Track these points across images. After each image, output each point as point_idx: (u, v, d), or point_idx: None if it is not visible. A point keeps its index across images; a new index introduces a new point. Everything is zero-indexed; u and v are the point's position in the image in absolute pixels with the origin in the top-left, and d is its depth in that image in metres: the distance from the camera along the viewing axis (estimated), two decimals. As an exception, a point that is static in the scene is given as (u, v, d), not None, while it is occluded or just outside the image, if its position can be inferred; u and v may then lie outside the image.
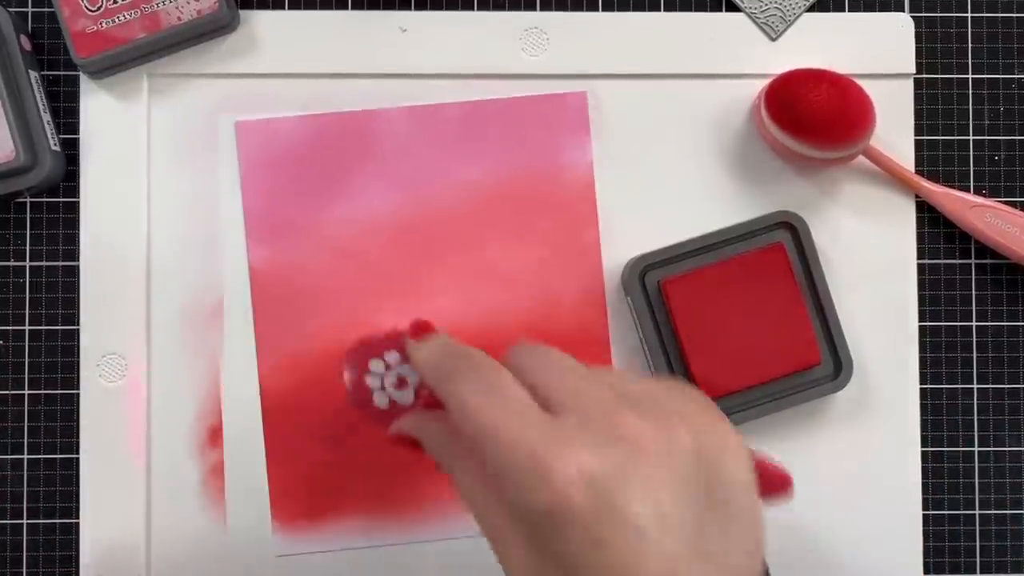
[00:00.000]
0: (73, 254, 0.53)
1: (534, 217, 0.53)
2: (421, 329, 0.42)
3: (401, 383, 0.44)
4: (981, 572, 0.53)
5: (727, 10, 0.54)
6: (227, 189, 0.53)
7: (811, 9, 0.53)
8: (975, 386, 0.54)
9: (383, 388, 0.44)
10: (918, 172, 0.54)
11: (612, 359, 0.53)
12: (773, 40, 0.53)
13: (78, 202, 0.53)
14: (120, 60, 0.51)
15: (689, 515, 0.33)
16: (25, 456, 0.53)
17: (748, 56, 0.53)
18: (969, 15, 0.54)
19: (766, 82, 0.52)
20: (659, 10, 0.54)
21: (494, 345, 0.49)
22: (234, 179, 0.53)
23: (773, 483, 0.37)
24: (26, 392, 0.53)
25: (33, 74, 0.51)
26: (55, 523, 0.52)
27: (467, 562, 0.52)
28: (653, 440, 0.33)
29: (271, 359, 0.52)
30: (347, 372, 0.45)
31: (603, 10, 0.54)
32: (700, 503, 0.33)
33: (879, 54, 0.53)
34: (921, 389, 0.53)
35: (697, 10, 0.54)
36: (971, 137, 0.54)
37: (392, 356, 0.44)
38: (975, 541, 0.54)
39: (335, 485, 0.52)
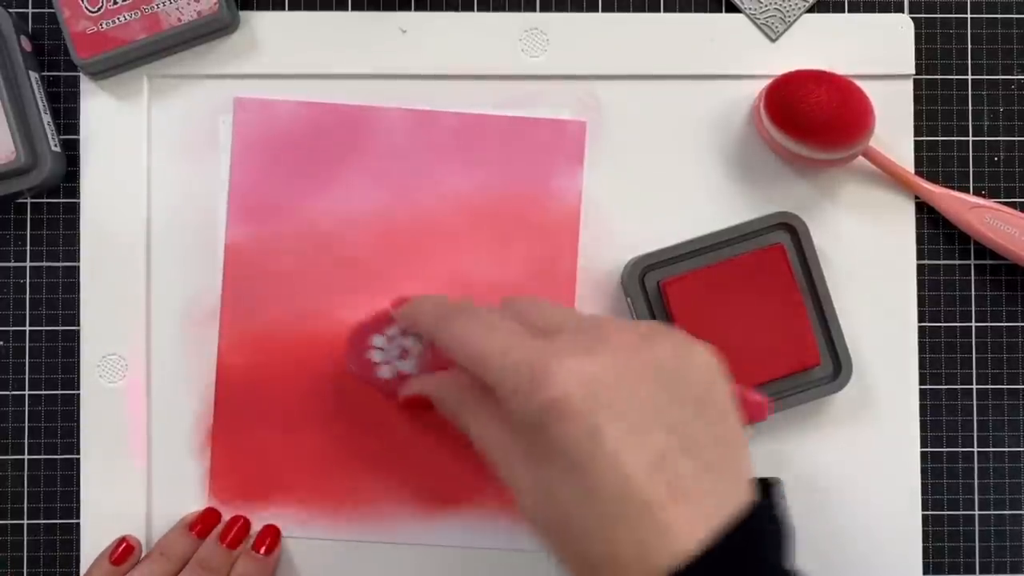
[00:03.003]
0: (73, 254, 0.53)
1: (515, 239, 0.53)
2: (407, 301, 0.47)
3: (403, 354, 0.47)
4: (980, 572, 0.53)
5: (727, 11, 0.54)
6: (227, 190, 0.53)
7: (811, 10, 0.54)
8: (975, 386, 0.54)
9: (387, 362, 0.47)
10: (918, 173, 0.54)
11: None
12: (773, 41, 0.53)
13: (78, 203, 0.53)
14: (120, 61, 0.51)
15: (674, 413, 0.36)
16: (25, 456, 0.53)
17: (748, 57, 0.53)
18: (969, 16, 0.54)
19: (766, 83, 0.52)
20: (659, 11, 0.54)
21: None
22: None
23: (750, 408, 0.42)
24: (26, 392, 0.53)
25: (33, 75, 0.52)
26: (55, 523, 0.52)
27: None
28: (637, 349, 0.37)
29: (233, 337, 0.52)
30: (351, 350, 0.49)
31: (603, 11, 0.54)
32: (685, 406, 0.36)
33: (879, 55, 0.53)
34: (921, 389, 0.54)
35: (697, 11, 0.54)
36: (970, 138, 0.54)
37: (392, 330, 0.48)
38: (975, 541, 0.54)
39: (277, 471, 0.52)
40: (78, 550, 0.52)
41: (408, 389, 0.47)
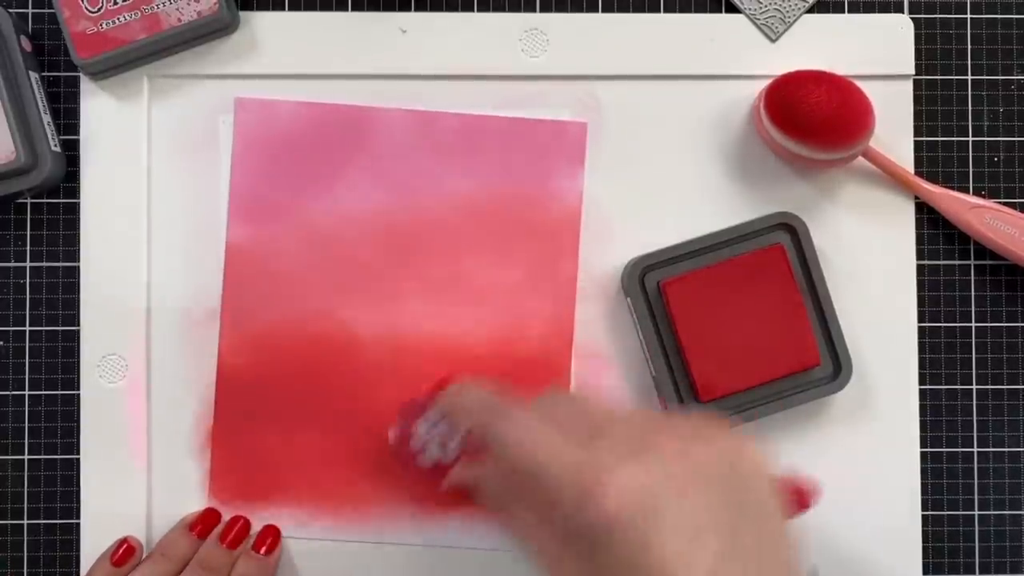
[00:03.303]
0: (73, 254, 0.53)
1: (516, 239, 0.53)
2: (450, 380, 0.48)
3: (444, 441, 0.47)
4: (980, 572, 0.53)
5: (727, 11, 0.54)
6: (227, 190, 0.53)
7: (810, 11, 0.54)
8: (975, 387, 0.54)
9: (428, 449, 0.48)
10: (917, 173, 0.54)
11: (571, 390, 0.53)
12: (773, 41, 0.53)
13: (78, 203, 0.53)
14: (120, 61, 0.51)
15: (724, 521, 0.35)
16: (25, 456, 0.53)
17: (748, 57, 0.53)
18: (968, 16, 0.54)
19: (766, 83, 0.52)
20: (659, 11, 0.54)
21: (457, 358, 0.52)
22: (234, 180, 0.53)
23: (798, 496, 0.41)
24: (26, 392, 0.53)
25: (33, 75, 0.52)
26: (55, 523, 0.52)
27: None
28: (684, 454, 0.37)
29: (233, 337, 0.52)
30: (393, 431, 0.49)
31: (603, 11, 0.54)
32: (732, 511, 0.36)
33: (878, 56, 0.53)
34: (921, 390, 0.54)
35: (697, 11, 0.54)
36: (970, 138, 0.54)
37: (433, 414, 0.48)
38: (974, 541, 0.54)
39: (277, 471, 0.52)
40: (78, 550, 0.52)
41: (451, 481, 0.47)
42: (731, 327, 0.50)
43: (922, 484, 0.53)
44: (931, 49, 0.54)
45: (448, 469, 0.47)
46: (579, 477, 0.36)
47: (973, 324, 0.54)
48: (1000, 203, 0.53)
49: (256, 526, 0.52)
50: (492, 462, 0.42)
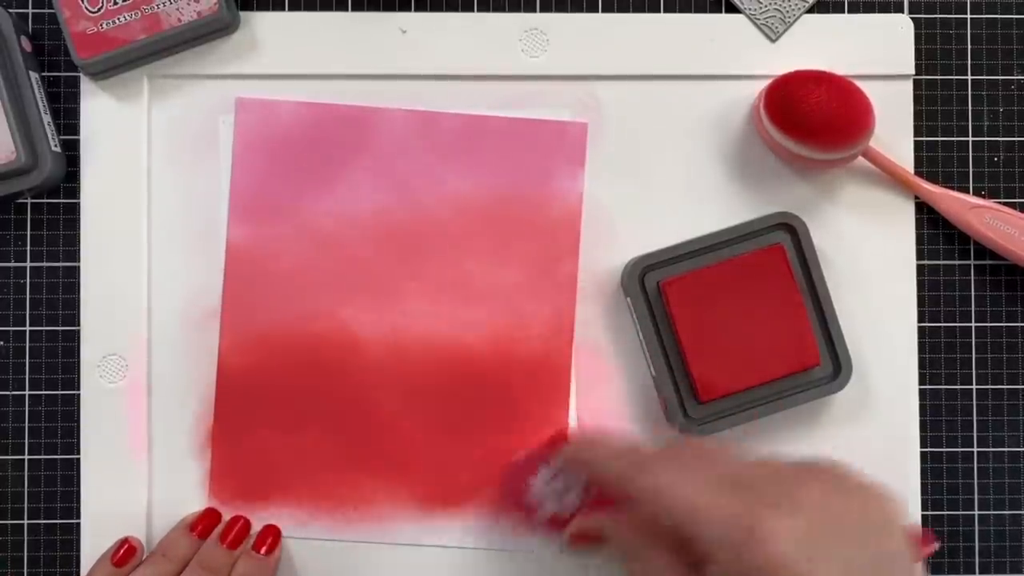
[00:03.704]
0: (73, 254, 0.53)
1: (517, 240, 0.53)
2: (563, 438, 0.51)
3: (565, 491, 0.49)
4: (980, 572, 0.53)
5: (727, 11, 0.54)
6: (227, 190, 0.53)
7: (810, 11, 0.54)
8: (974, 387, 0.54)
9: (544, 504, 0.49)
10: (917, 173, 0.54)
11: (571, 391, 0.53)
12: (773, 41, 0.53)
13: (78, 203, 0.53)
14: (120, 61, 0.51)
15: (864, 566, 0.37)
16: (25, 456, 0.53)
17: (748, 57, 0.53)
18: (968, 17, 0.54)
19: (766, 83, 0.52)
20: (659, 11, 0.54)
21: (457, 358, 0.53)
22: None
23: (920, 542, 0.44)
24: (26, 392, 0.53)
25: (34, 75, 0.52)
26: (55, 523, 0.52)
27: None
28: (828, 505, 0.38)
29: (234, 337, 0.52)
30: (508, 494, 0.51)
31: (603, 11, 0.54)
32: (869, 557, 0.37)
33: (878, 55, 0.53)
34: (921, 390, 0.54)
35: (697, 11, 0.54)
36: (970, 138, 0.54)
37: (550, 469, 0.49)
38: (974, 541, 0.54)
39: (277, 471, 0.52)
40: (78, 550, 0.52)
41: (575, 531, 0.48)
42: (731, 327, 0.50)
43: (922, 484, 0.53)
44: (931, 49, 0.54)
45: (566, 522, 0.48)
46: (738, 525, 0.37)
47: (973, 324, 0.54)
48: (1000, 203, 0.53)
49: (256, 526, 0.52)
50: (629, 512, 0.43)
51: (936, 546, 0.45)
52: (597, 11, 0.54)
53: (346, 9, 0.54)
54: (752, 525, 0.37)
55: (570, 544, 0.48)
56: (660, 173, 0.53)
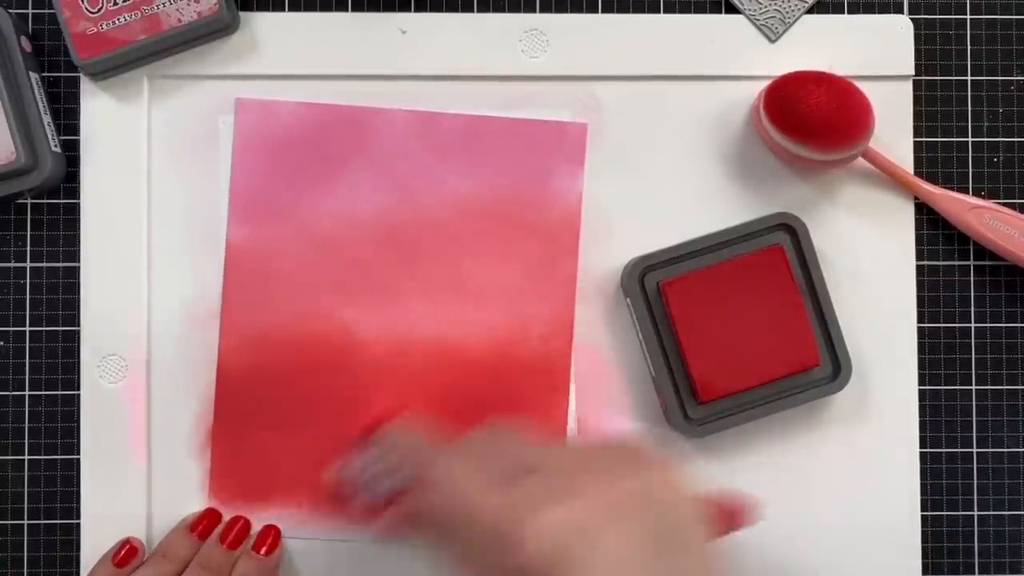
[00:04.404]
0: (73, 255, 0.53)
1: (516, 240, 0.53)
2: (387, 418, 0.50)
3: (377, 484, 0.47)
4: (980, 573, 0.53)
5: (726, 12, 0.54)
6: (227, 190, 0.53)
7: (810, 11, 0.54)
8: (974, 387, 0.54)
9: (364, 489, 0.47)
10: (917, 174, 0.54)
11: (570, 390, 0.53)
12: (772, 42, 0.53)
13: (78, 203, 0.53)
14: (120, 62, 0.51)
15: (647, 551, 0.37)
16: (25, 456, 0.53)
17: (747, 58, 0.53)
18: (968, 17, 0.54)
19: (765, 84, 0.52)
20: (659, 12, 0.54)
21: (456, 358, 0.52)
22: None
23: (734, 516, 0.43)
24: (26, 392, 0.53)
25: (33, 75, 0.52)
26: (55, 523, 0.52)
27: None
28: (606, 491, 0.38)
29: (233, 338, 0.52)
30: (336, 476, 0.49)
31: (603, 12, 0.54)
32: (655, 545, 0.37)
33: (878, 56, 0.53)
34: (920, 390, 0.54)
35: (697, 12, 0.54)
36: (970, 139, 0.54)
37: (369, 456, 0.48)
38: (974, 542, 0.54)
39: (277, 471, 0.52)
40: (78, 550, 0.52)
41: (387, 521, 0.46)
42: (731, 327, 0.50)
43: (922, 484, 0.53)
44: (931, 49, 0.54)
45: (384, 508, 0.47)
46: (499, 523, 0.37)
47: (973, 324, 0.54)
48: (1000, 203, 0.53)
49: (256, 526, 0.52)
50: (424, 503, 0.42)
51: (752, 519, 0.43)
52: (597, 11, 0.54)
53: (346, 9, 0.54)
54: (514, 522, 0.36)
55: (382, 531, 0.47)
56: (660, 173, 0.53)
